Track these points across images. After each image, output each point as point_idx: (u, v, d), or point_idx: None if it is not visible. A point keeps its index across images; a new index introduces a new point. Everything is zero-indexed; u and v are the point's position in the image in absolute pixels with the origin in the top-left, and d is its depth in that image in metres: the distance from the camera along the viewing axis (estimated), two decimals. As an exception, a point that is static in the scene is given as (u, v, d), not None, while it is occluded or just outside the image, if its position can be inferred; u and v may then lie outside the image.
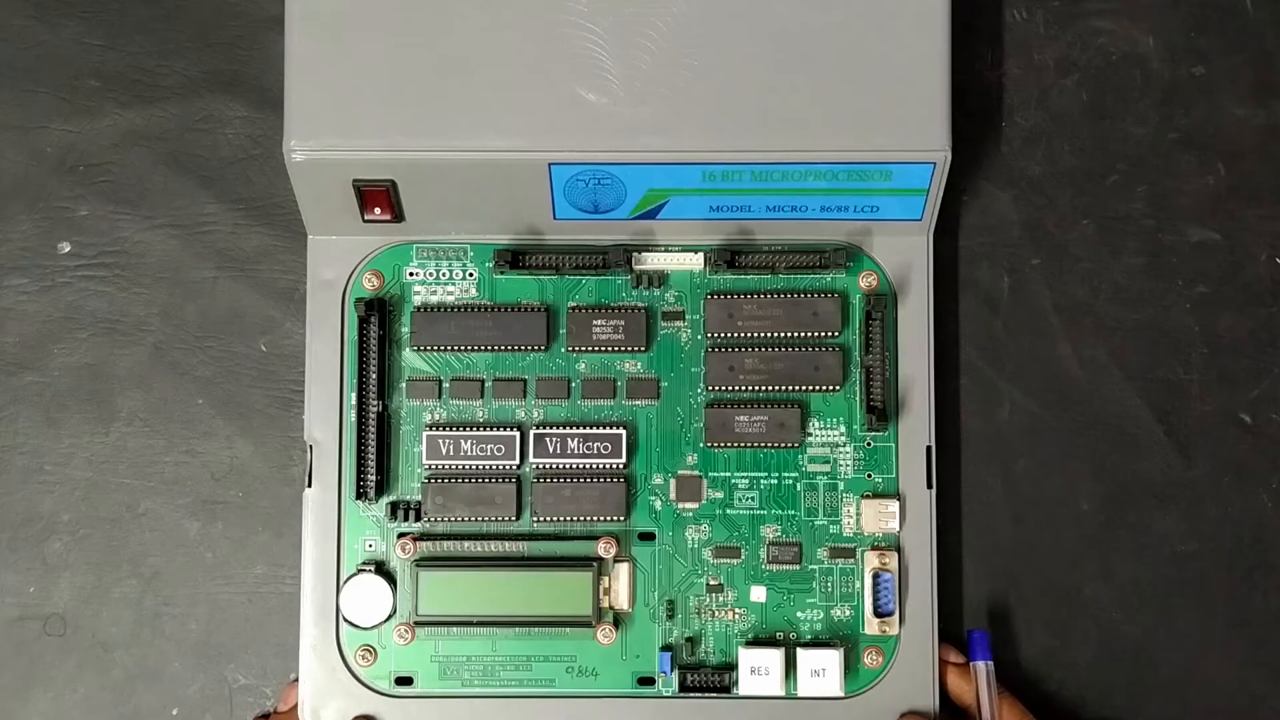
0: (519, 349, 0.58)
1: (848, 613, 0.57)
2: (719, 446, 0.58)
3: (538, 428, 0.57)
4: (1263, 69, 0.62)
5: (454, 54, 0.53)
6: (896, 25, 0.54)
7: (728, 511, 0.58)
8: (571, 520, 0.57)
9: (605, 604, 0.57)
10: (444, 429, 0.57)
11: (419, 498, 0.57)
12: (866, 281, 0.58)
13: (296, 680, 0.57)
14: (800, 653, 0.56)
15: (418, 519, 0.57)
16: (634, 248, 0.58)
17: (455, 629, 0.57)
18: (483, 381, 0.58)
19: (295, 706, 0.57)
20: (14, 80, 0.62)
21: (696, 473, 0.58)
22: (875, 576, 0.57)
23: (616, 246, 0.57)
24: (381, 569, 0.57)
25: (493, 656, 0.57)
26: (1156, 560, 0.60)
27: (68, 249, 0.61)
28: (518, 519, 0.57)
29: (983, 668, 0.57)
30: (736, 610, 0.57)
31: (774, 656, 0.56)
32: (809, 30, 0.54)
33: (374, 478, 0.57)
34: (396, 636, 0.57)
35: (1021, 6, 0.62)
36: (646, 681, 0.57)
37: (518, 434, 0.57)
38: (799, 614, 0.57)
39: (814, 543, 0.58)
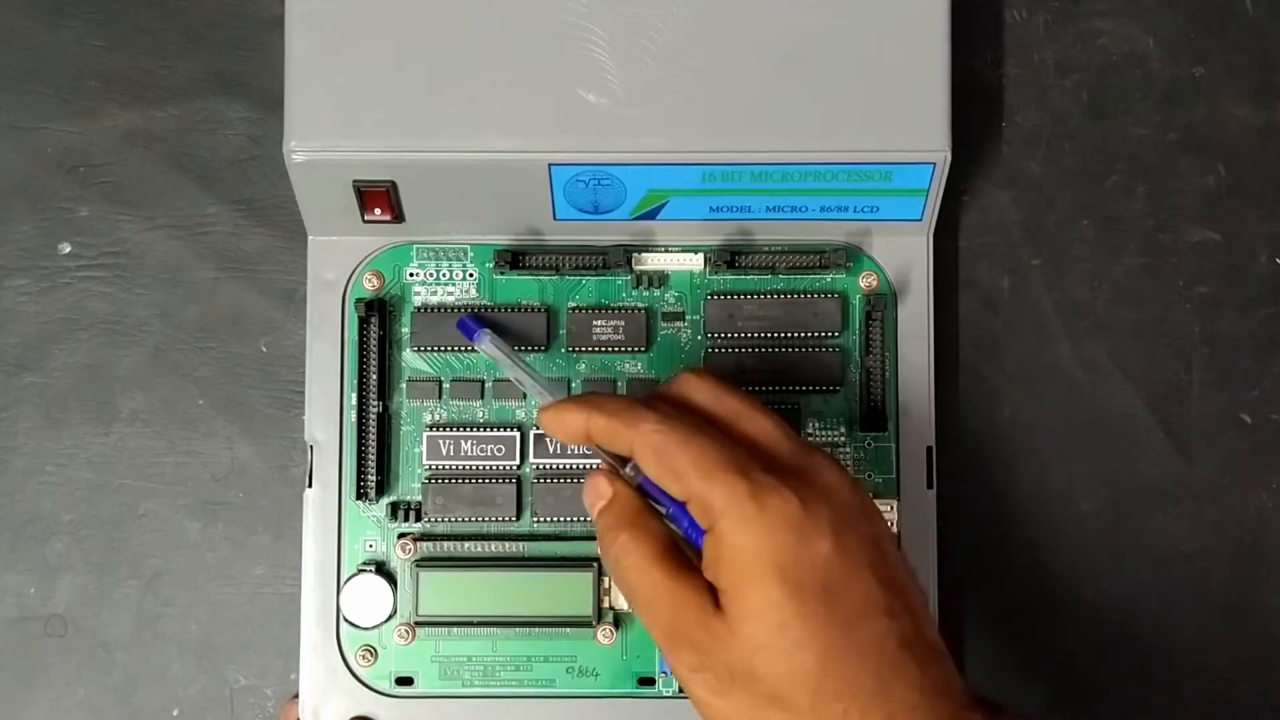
0: (519, 349, 0.57)
1: (848, 613, 0.57)
2: (719, 447, 0.57)
3: (538, 428, 0.57)
4: (1263, 69, 0.62)
5: (454, 54, 0.53)
6: (896, 25, 0.54)
7: (728, 512, 0.58)
8: (571, 520, 0.57)
9: (605, 604, 0.57)
10: (444, 429, 0.57)
11: (419, 498, 0.57)
12: (866, 282, 0.58)
13: (296, 697, 0.57)
14: (800, 653, 0.56)
15: (418, 519, 0.57)
16: (634, 248, 0.58)
17: (455, 629, 0.57)
18: (483, 382, 0.58)
19: None
20: (14, 80, 0.62)
21: (697, 473, 0.58)
22: (875, 576, 0.57)
23: (616, 247, 0.57)
24: (382, 569, 0.57)
25: (493, 657, 0.57)
26: (1156, 560, 0.60)
27: (68, 249, 0.61)
28: (518, 519, 0.57)
29: (487, 338, 0.55)
30: (737, 610, 0.57)
31: (774, 656, 0.56)
32: (809, 30, 0.54)
33: (374, 478, 0.57)
34: (397, 637, 0.57)
35: (1021, 6, 0.62)
36: (647, 681, 0.57)
37: (518, 434, 0.57)
38: (799, 614, 0.57)
39: (814, 543, 0.57)
